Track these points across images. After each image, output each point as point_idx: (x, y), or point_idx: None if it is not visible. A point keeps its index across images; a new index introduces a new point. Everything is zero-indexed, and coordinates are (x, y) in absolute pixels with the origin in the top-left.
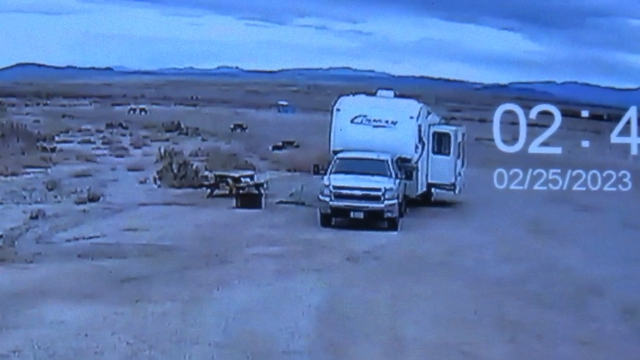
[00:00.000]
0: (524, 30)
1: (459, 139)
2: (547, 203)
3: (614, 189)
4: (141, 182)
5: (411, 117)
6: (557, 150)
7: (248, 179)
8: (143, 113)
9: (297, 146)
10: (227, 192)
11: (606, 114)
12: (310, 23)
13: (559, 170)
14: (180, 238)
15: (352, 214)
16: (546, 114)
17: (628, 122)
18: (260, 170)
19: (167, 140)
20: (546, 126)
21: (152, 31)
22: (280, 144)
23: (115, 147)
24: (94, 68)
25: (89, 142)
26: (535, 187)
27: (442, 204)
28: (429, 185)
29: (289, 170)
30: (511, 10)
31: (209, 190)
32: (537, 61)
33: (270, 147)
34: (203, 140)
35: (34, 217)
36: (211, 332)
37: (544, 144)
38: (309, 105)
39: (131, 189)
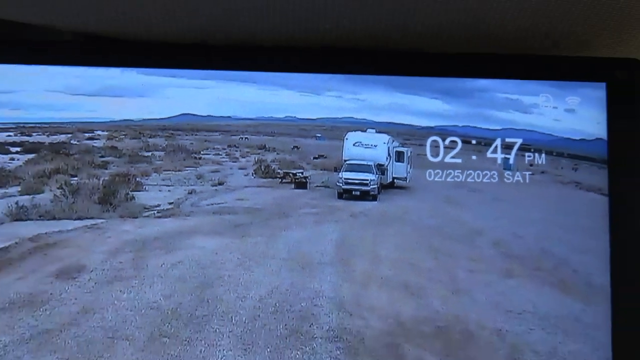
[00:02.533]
0: (443, 99)
1: (409, 154)
2: (454, 188)
3: (488, 180)
4: (245, 175)
5: (384, 143)
6: (459, 161)
7: (300, 173)
8: (246, 139)
9: (326, 157)
10: (289, 180)
11: (476, 141)
12: (333, 95)
13: (460, 171)
14: (264, 204)
15: (353, 192)
16: (453, 142)
17: (496, 146)
18: (306, 169)
19: (258, 153)
20: (453, 148)
21: (251, 97)
22: (317, 156)
23: (231, 157)
24: (221, 116)
25: (218, 154)
26: (448, 180)
27: (400, 188)
28: (393, 178)
29: (321, 170)
30: (436, 88)
31: (279, 180)
32: (450, 114)
33: (312, 158)
34: (277, 154)
35: (190, 193)
36: (281, 253)
37: (452, 157)
38: (332, 137)
39: (240, 179)
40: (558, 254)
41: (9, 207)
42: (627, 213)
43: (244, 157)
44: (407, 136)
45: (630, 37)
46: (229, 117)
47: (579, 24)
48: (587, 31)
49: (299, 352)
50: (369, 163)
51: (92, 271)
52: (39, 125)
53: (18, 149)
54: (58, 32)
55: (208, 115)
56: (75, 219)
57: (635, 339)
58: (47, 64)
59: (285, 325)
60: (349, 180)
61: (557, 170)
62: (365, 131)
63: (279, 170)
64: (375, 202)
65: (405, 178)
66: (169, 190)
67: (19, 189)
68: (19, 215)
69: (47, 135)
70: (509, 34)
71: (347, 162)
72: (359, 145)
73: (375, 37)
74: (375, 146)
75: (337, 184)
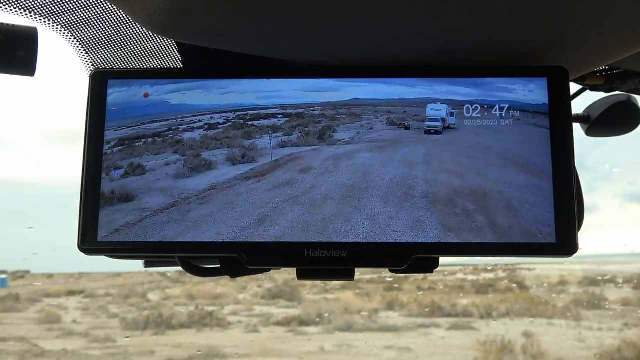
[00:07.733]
0: (471, 88)
1: (455, 113)
2: (477, 128)
3: (493, 123)
4: (382, 124)
5: (445, 108)
6: (479, 115)
7: (406, 123)
8: (382, 108)
9: (418, 115)
10: (402, 127)
11: None
12: (422, 87)
13: (479, 120)
14: (391, 137)
15: (432, 131)
16: (476, 107)
17: (496, 107)
18: (409, 122)
19: (388, 114)
20: (477, 110)
21: (384, 89)
22: (415, 115)
23: (375, 116)
24: (372, 98)
25: (369, 115)
26: (474, 124)
27: (452, 129)
28: (449, 124)
29: (417, 121)
30: (467, 82)
31: (397, 126)
32: (474, 94)
33: (412, 116)
34: (396, 115)
35: (358, 133)
36: (398, 158)
37: (476, 114)
38: (421, 106)
39: (380, 126)
40: (526, 156)
41: (277, 142)
42: (558, 138)
43: (382, 116)
44: (455, 105)
45: (564, 53)
46: (374, 99)
47: (543, 46)
48: (544, 51)
49: (408, 204)
50: (438, 117)
51: (315, 169)
52: (289, 105)
53: (280, 116)
54: (290, 62)
55: (365, 98)
56: (307, 146)
57: (563, 195)
58: (293, 78)
59: (402, 190)
60: (429, 126)
61: (525, 118)
62: (436, 103)
63: (397, 122)
64: (441, 135)
65: (455, 124)
66: (348, 132)
67: (282, 134)
68: (282, 145)
69: (293, 110)
70: (505, 53)
71: (428, 117)
72: (433, 110)
73: (438, 59)
74: (441, 110)
75: (424, 127)
